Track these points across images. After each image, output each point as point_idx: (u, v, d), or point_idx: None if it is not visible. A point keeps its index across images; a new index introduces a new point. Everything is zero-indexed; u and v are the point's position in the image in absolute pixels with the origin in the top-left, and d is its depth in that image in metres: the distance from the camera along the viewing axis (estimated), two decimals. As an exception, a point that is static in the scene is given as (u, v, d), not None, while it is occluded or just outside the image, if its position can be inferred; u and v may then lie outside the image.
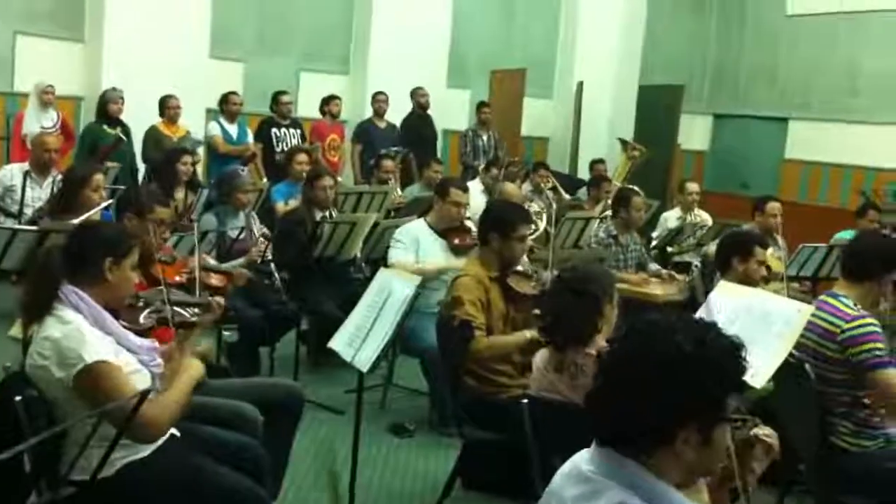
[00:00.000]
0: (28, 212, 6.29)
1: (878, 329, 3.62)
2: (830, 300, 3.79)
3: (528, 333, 3.98)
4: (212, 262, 4.95)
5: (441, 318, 4.31)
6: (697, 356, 1.73)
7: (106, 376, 2.72)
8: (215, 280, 4.46)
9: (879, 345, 3.57)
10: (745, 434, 3.13)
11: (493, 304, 4.18)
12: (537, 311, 4.30)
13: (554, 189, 9.33)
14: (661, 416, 1.72)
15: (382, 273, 4.08)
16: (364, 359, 3.60)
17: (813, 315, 3.66)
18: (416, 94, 10.51)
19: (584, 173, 11.53)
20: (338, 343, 3.79)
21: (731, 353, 1.78)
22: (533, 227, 5.47)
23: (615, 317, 3.51)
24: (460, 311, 4.04)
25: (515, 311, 4.28)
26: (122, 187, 6.61)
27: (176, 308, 3.40)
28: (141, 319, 3.33)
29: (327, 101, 9.90)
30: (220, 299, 3.61)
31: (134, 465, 2.85)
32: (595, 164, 11.20)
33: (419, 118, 10.49)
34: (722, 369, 1.76)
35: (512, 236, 4.27)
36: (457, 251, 5.40)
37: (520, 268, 4.45)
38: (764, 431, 2.32)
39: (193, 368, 3.09)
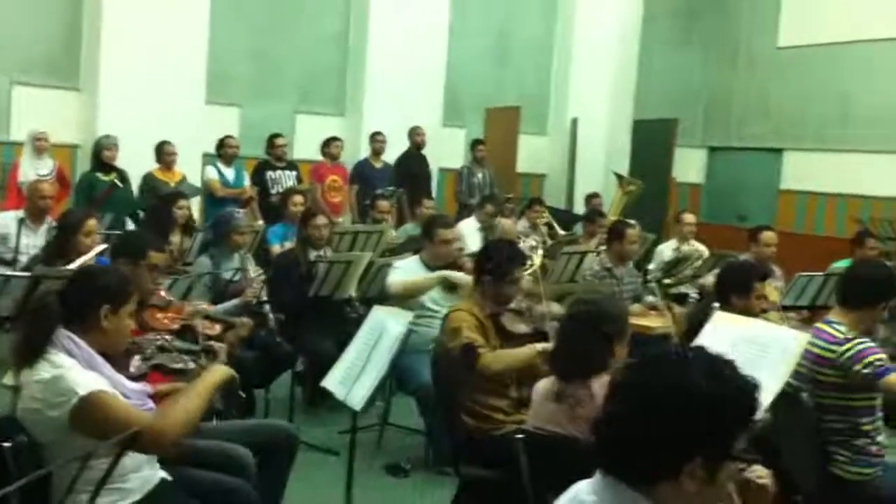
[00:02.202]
0: (23, 259, 6.29)
1: (872, 344, 3.65)
2: (825, 327, 3.79)
3: (539, 346, 3.94)
4: (211, 309, 4.90)
5: (437, 354, 4.30)
6: (711, 391, 1.71)
7: (103, 405, 2.70)
8: (212, 329, 4.38)
9: (880, 355, 3.61)
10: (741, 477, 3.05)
11: (488, 340, 4.16)
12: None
13: (549, 225, 9.33)
14: (669, 448, 1.70)
15: (375, 311, 4.07)
16: (357, 397, 3.58)
17: (809, 343, 3.66)
18: (414, 134, 10.58)
19: (580, 208, 11.56)
20: (331, 382, 3.78)
21: (746, 391, 1.75)
22: (527, 265, 5.43)
23: (625, 356, 3.48)
24: (461, 338, 4.03)
25: (509, 347, 4.26)
26: (118, 233, 6.63)
27: (171, 354, 3.36)
28: (132, 367, 3.30)
29: (328, 143, 9.96)
30: (222, 344, 3.58)
31: (124, 510, 2.82)
32: (590, 198, 11.24)
33: (413, 157, 10.55)
34: (735, 407, 1.74)
35: (505, 280, 4.27)
36: (451, 288, 5.38)
37: (513, 306, 4.43)
38: (757, 473, 2.25)
39: (215, 372, 3.03)
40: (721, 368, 1.76)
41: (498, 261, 4.31)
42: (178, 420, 2.80)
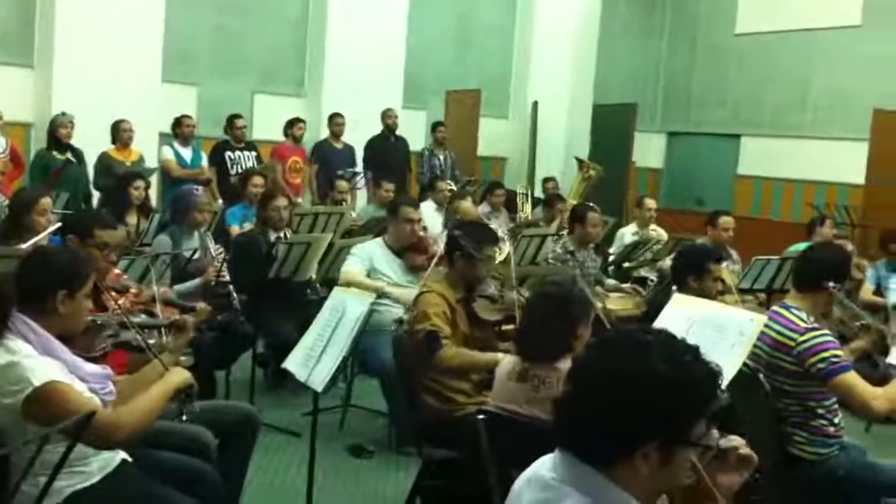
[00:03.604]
0: (-25, 239, 6.17)
1: (831, 337, 3.65)
2: (783, 311, 3.81)
3: (501, 357, 3.88)
4: (170, 293, 4.83)
5: (399, 335, 4.29)
6: (669, 378, 1.69)
7: (58, 395, 2.64)
8: (170, 313, 4.30)
9: (837, 351, 3.59)
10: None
11: (457, 325, 4.17)
12: (499, 329, 4.31)
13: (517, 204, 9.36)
14: (624, 430, 1.70)
15: (336, 292, 4.05)
16: (318, 378, 3.56)
17: (765, 325, 3.68)
18: (385, 116, 10.55)
19: (540, 192, 11.60)
20: (292, 363, 3.75)
21: (705, 379, 1.74)
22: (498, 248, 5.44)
23: (588, 337, 3.50)
24: (426, 324, 4.02)
25: (479, 333, 4.27)
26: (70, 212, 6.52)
27: (135, 331, 3.31)
28: (96, 345, 3.25)
29: (291, 124, 9.90)
30: (188, 317, 3.53)
31: (82, 493, 2.78)
32: (546, 182, 11.29)
33: (385, 139, 10.50)
34: (693, 394, 1.72)
35: (477, 258, 4.26)
36: (413, 270, 5.40)
37: (486, 291, 4.42)
38: (736, 443, 2.22)
39: (176, 375, 3.02)
40: (681, 353, 1.75)
41: (470, 239, 4.31)
42: (134, 417, 2.78)
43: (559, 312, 3.40)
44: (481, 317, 4.28)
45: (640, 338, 1.79)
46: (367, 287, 5.16)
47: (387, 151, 10.36)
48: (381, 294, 5.20)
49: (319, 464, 3.91)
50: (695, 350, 1.77)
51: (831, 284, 3.80)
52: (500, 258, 5.55)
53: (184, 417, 3.03)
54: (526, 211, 9.94)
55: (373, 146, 10.38)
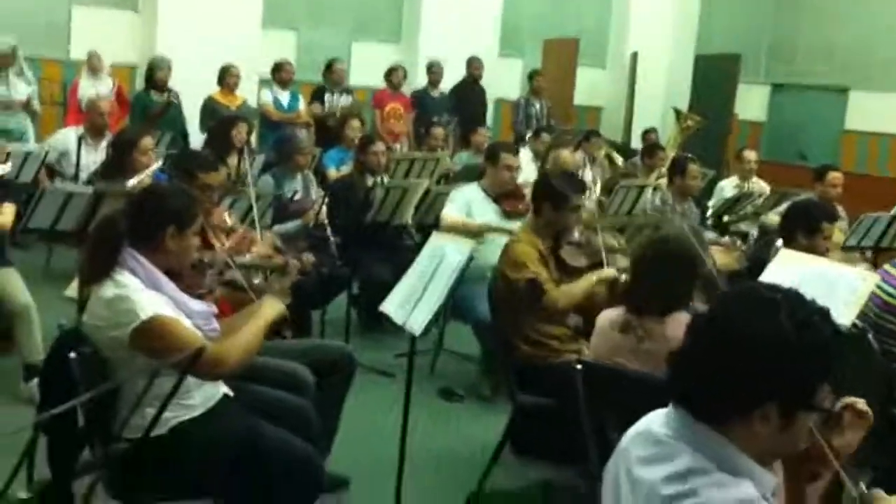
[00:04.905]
0: (83, 175, 6.37)
1: None
2: (893, 270, 3.68)
3: (594, 276, 4.06)
4: (277, 240, 4.88)
5: (496, 284, 4.28)
6: (796, 339, 1.63)
7: (164, 328, 2.71)
8: (275, 256, 4.35)
9: None
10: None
11: (549, 275, 4.16)
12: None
13: (609, 157, 9.19)
14: (744, 389, 1.65)
15: (435, 238, 4.04)
16: (416, 322, 3.57)
17: (877, 286, 3.57)
18: (471, 65, 10.50)
19: (637, 143, 11.40)
20: (389, 306, 3.76)
21: (832, 341, 1.68)
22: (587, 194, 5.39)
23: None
24: (526, 272, 4.04)
25: (567, 279, 4.25)
26: (175, 153, 6.66)
27: (241, 271, 3.36)
28: (202, 283, 3.30)
29: (390, 72, 9.92)
30: (294, 262, 3.57)
31: (187, 425, 2.85)
32: (647, 133, 11.06)
33: (469, 87, 10.46)
34: (818, 357, 1.66)
35: (565, 206, 4.23)
36: (510, 216, 5.40)
37: (573, 238, 4.40)
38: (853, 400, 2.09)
39: (271, 308, 3.07)
40: (810, 314, 1.67)
41: (556, 188, 4.27)
42: (238, 350, 2.84)
43: (680, 269, 3.31)
44: (570, 264, 4.29)
45: (768, 295, 1.71)
46: (470, 227, 5.18)
47: (469, 99, 10.34)
48: (488, 230, 5.23)
49: (412, 405, 3.93)
50: (824, 311, 1.70)
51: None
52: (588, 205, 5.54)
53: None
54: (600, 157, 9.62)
55: (457, 93, 10.36)
